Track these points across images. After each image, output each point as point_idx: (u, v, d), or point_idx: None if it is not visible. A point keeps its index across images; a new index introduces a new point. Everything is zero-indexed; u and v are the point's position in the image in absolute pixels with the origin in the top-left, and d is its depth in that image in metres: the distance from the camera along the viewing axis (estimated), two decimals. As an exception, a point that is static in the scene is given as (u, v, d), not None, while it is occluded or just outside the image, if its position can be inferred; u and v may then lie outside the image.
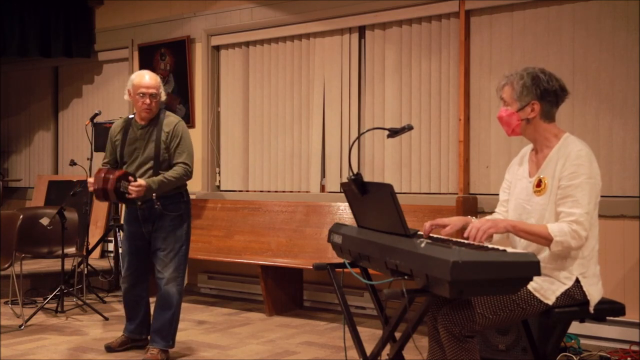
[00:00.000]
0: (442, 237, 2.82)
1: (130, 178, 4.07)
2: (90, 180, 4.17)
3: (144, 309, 4.43)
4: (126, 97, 4.28)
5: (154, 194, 4.11)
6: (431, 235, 2.79)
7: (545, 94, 2.83)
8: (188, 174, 4.18)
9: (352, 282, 5.18)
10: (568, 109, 4.74)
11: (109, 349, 4.40)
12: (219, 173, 6.77)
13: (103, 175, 4.08)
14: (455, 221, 2.90)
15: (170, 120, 4.25)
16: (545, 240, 2.67)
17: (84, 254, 6.04)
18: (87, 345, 4.59)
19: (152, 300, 4.33)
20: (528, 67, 2.89)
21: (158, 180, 4.09)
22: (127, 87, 4.26)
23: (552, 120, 2.89)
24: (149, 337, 4.34)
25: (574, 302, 2.78)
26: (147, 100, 4.15)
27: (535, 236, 2.69)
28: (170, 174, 4.13)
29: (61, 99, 8.25)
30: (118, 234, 6.12)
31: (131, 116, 4.36)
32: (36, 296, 5.95)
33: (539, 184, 2.84)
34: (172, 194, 4.20)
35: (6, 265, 5.29)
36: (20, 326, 5.03)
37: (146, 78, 4.19)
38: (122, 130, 4.31)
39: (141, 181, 4.05)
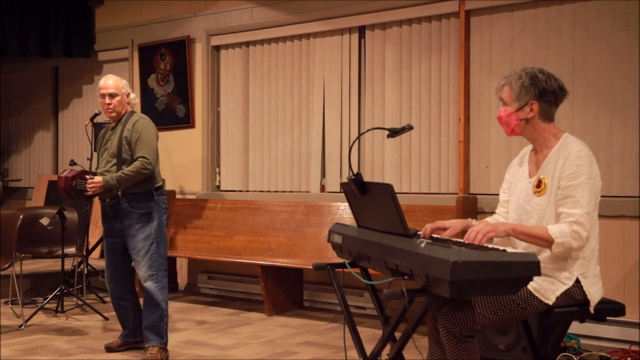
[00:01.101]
0: (442, 237, 2.82)
1: (87, 176, 4.23)
2: None
3: (132, 313, 4.44)
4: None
5: (118, 191, 4.21)
6: (431, 235, 2.79)
7: (544, 94, 2.82)
8: (146, 167, 4.20)
9: (352, 282, 5.18)
10: (568, 109, 4.74)
11: (109, 349, 4.41)
12: (219, 173, 6.77)
13: (62, 175, 4.33)
14: (455, 223, 2.90)
15: (134, 118, 4.36)
16: (546, 242, 2.67)
17: (84, 254, 6.03)
18: (87, 345, 4.59)
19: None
20: (526, 67, 2.89)
21: (116, 176, 4.19)
22: None
23: (552, 120, 2.89)
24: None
25: (574, 302, 2.77)
26: (107, 100, 4.32)
27: (535, 238, 2.68)
28: (129, 169, 4.20)
29: (61, 99, 8.25)
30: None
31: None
32: (36, 296, 5.96)
33: (538, 184, 2.83)
34: (139, 192, 4.26)
35: (6, 265, 5.28)
36: (20, 326, 5.03)
37: (107, 81, 4.38)
38: (102, 136, 4.49)
39: (98, 178, 4.19)
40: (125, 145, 4.25)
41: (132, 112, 4.41)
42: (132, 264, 4.34)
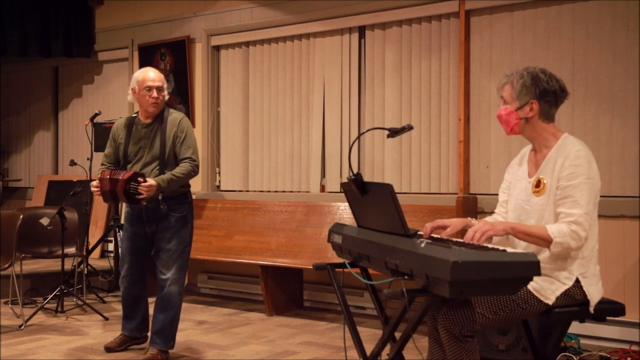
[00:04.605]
0: (442, 237, 2.82)
1: (140, 179, 4.02)
2: (94, 183, 4.15)
3: (144, 307, 4.42)
4: (130, 97, 4.25)
5: (160, 195, 4.11)
6: (431, 235, 2.79)
7: (545, 94, 2.83)
8: (195, 169, 4.15)
9: (352, 282, 5.17)
10: (568, 109, 4.74)
11: (109, 349, 4.39)
12: (219, 173, 6.77)
13: (109, 177, 4.06)
14: (455, 222, 2.90)
15: (174, 117, 4.22)
16: (544, 241, 2.67)
17: (84, 254, 6.04)
18: (87, 345, 4.59)
19: (151, 300, 4.33)
20: (529, 67, 2.89)
21: (167, 178, 4.05)
22: (130, 86, 4.23)
23: (551, 121, 2.89)
24: (148, 334, 4.35)
25: (574, 302, 2.78)
26: (155, 94, 4.13)
27: (534, 238, 2.69)
28: (179, 170, 4.09)
29: (61, 99, 8.25)
30: (118, 234, 6.12)
31: (134, 115, 4.32)
32: (36, 296, 5.95)
33: (537, 184, 2.84)
34: (177, 195, 4.18)
35: (6, 265, 5.29)
36: (20, 326, 5.03)
37: (150, 73, 4.20)
38: (126, 129, 4.26)
39: (151, 181, 4.01)
40: (169, 148, 4.14)
41: (168, 109, 4.28)
42: (159, 266, 4.18)
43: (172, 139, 4.14)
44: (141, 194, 4.00)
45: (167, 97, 4.27)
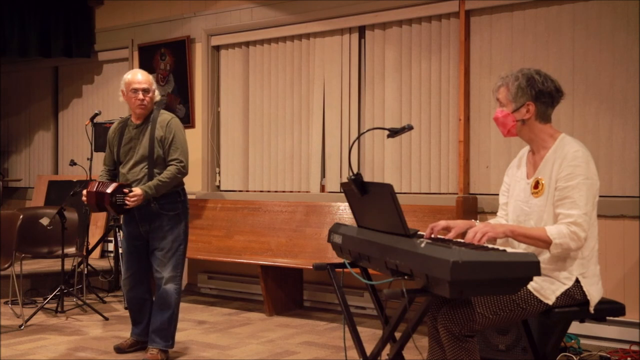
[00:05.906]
0: (443, 237, 2.82)
1: (125, 190, 4.08)
2: (85, 192, 4.20)
3: (149, 311, 4.39)
4: (121, 98, 4.31)
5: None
6: (431, 235, 2.79)
7: (540, 95, 2.83)
8: (182, 171, 4.17)
9: (352, 282, 5.18)
10: (568, 109, 4.74)
11: (119, 350, 4.37)
12: (219, 173, 6.77)
13: (95, 190, 4.12)
14: (459, 224, 2.88)
15: (164, 117, 4.25)
16: (544, 243, 2.67)
17: (84, 254, 6.04)
18: (87, 345, 4.59)
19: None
20: (523, 69, 2.89)
21: (153, 184, 4.10)
22: (120, 87, 4.29)
23: (548, 121, 2.89)
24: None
25: (574, 302, 2.78)
26: (140, 96, 4.17)
27: (534, 240, 2.69)
28: (165, 175, 4.13)
29: (61, 99, 8.25)
30: (118, 234, 6.13)
31: (127, 117, 4.38)
32: (36, 296, 5.96)
33: (536, 185, 2.84)
34: (168, 193, 4.20)
35: (6, 265, 5.29)
36: (20, 326, 5.03)
37: (138, 75, 4.23)
38: (119, 131, 4.33)
39: (136, 190, 4.07)
40: (158, 148, 4.16)
41: (159, 109, 4.30)
42: (155, 265, 4.21)
43: (159, 139, 4.17)
44: (128, 204, 4.06)
45: (157, 98, 4.31)
